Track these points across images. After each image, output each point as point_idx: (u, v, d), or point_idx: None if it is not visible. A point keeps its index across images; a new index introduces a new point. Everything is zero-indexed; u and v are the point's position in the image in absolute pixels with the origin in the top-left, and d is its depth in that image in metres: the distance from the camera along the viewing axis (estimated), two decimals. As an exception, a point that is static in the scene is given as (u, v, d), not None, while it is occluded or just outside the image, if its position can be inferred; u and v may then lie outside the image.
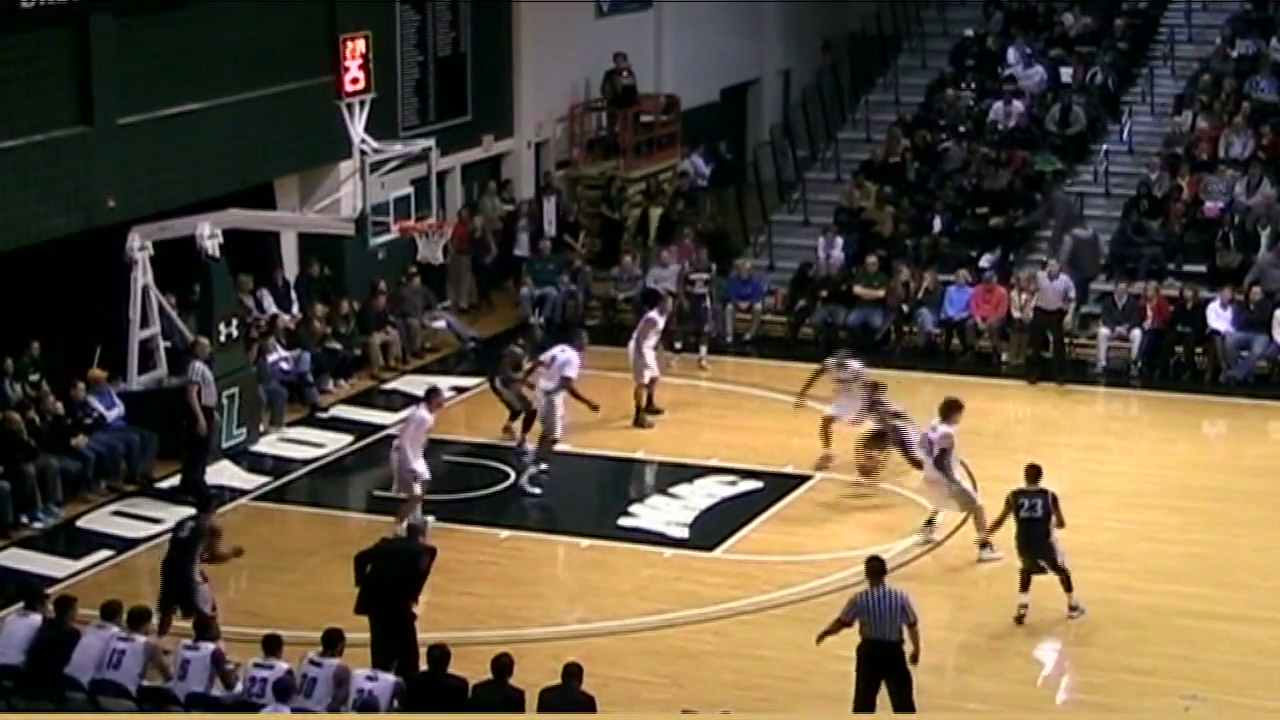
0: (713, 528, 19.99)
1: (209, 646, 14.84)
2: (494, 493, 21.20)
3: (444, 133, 26.95)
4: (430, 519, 19.32)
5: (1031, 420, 23.97)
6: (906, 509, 20.08)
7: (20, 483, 19.98)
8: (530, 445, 21.41)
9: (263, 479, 21.73)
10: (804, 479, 21.16)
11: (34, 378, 21.34)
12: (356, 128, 22.02)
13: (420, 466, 19.44)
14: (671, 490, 21.05)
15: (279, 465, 22.23)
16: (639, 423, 23.15)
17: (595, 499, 21.89)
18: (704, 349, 26.00)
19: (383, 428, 23.25)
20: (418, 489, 19.47)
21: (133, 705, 14.63)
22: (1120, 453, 22.70)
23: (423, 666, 14.74)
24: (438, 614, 17.09)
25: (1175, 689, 16.08)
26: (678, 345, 25.99)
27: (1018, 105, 30.53)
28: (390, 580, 15.78)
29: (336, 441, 22.96)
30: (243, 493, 21.18)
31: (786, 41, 36.92)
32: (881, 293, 26.69)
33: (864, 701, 14.86)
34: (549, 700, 14.02)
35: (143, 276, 22.18)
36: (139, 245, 22.04)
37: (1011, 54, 32.14)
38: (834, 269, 27.44)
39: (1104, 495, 20.73)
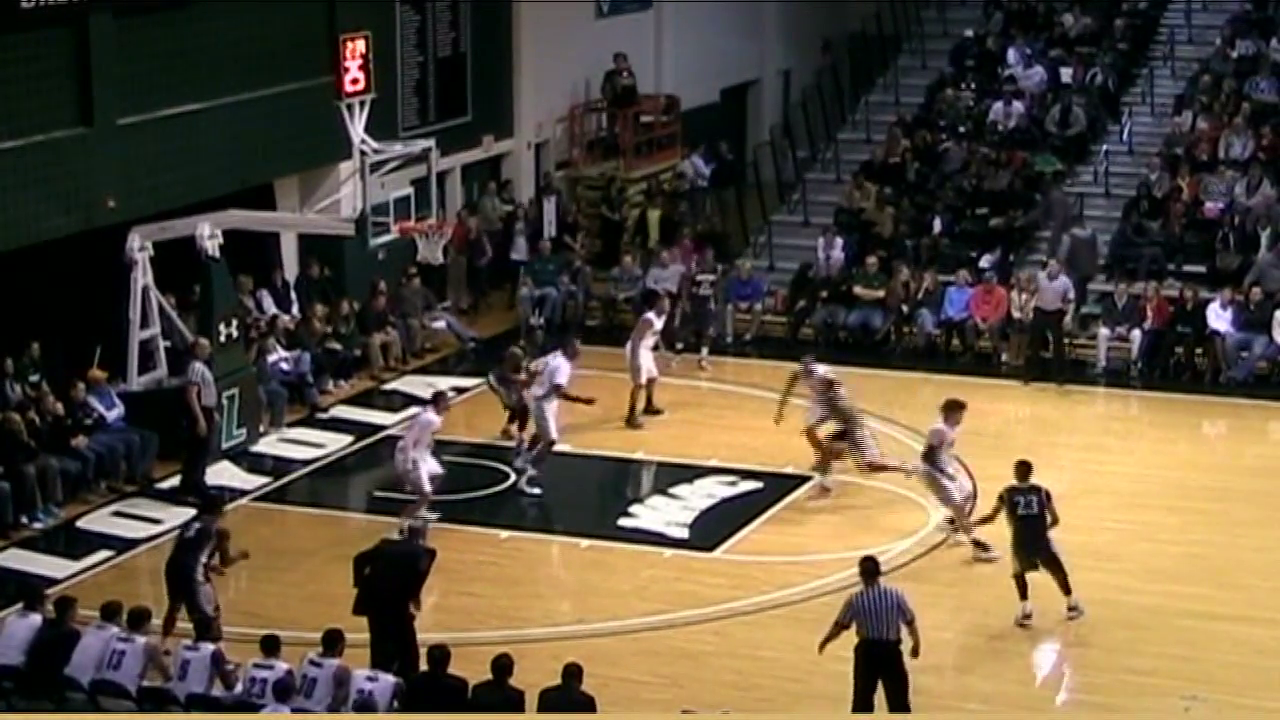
0: (713, 528, 19.99)
1: (209, 647, 14.85)
2: (494, 493, 21.21)
3: (444, 133, 26.95)
4: (436, 515, 19.48)
5: (1031, 421, 23.97)
6: (907, 509, 20.08)
7: (20, 483, 19.98)
8: (527, 444, 21.45)
9: (263, 479, 21.72)
10: (804, 479, 21.14)
11: (34, 378, 21.34)
12: (356, 128, 22.03)
13: (430, 465, 19.57)
14: (671, 490, 21.05)
15: (279, 466, 22.22)
16: (630, 422, 23.14)
17: (595, 499, 21.89)
18: (705, 349, 26.00)
19: (383, 428, 23.27)
20: (428, 486, 19.54)
21: (133, 706, 14.64)
22: (1120, 453, 22.70)
23: (423, 667, 14.75)
24: (438, 614, 17.13)
25: (1175, 689, 16.08)
26: (680, 346, 25.99)
27: (1018, 106, 30.53)
28: (390, 582, 15.78)
29: (336, 442, 22.95)
30: (243, 493, 21.17)
31: (786, 42, 36.92)
32: (881, 293, 26.69)
33: (862, 702, 14.86)
34: (549, 700, 14.02)
35: (143, 277, 22.17)
36: (139, 246, 22.04)
37: (1011, 54, 32.14)
38: (834, 269, 27.44)
39: (1104, 495, 20.74)
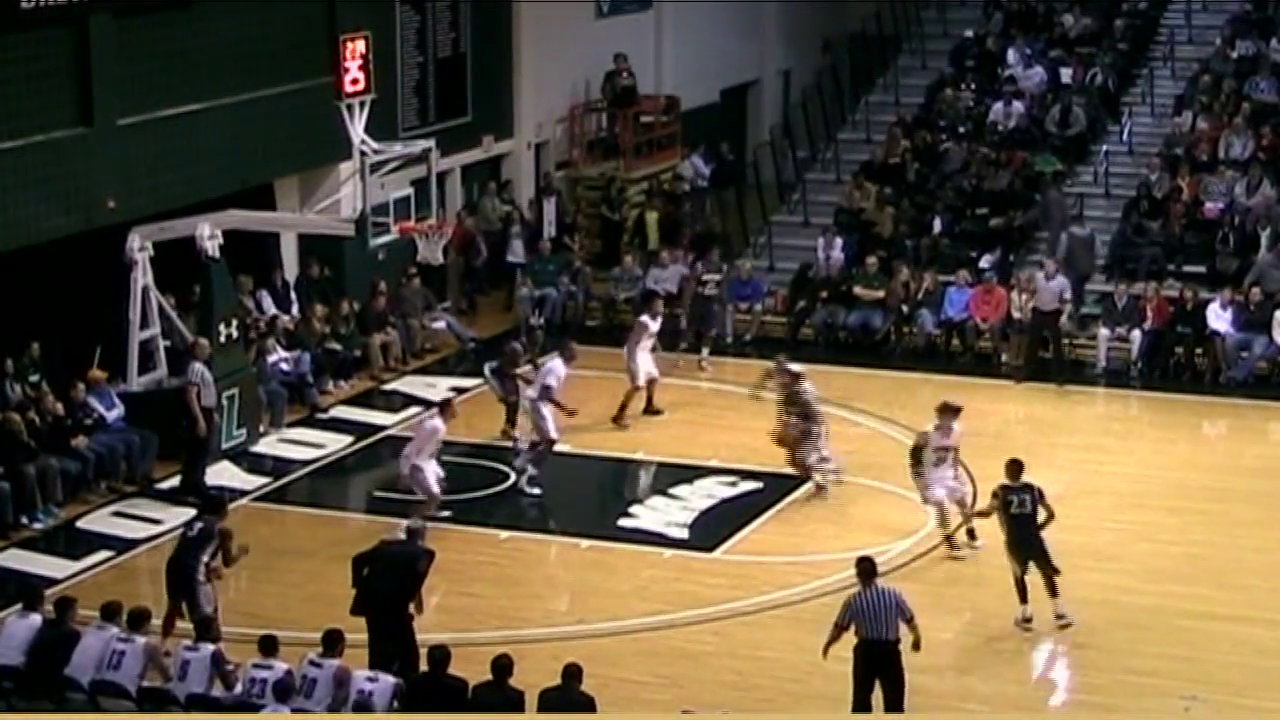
0: (713, 528, 19.99)
1: (209, 647, 14.84)
2: (494, 493, 21.21)
3: (444, 133, 26.94)
4: (447, 514, 19.61)
5: (1031, 421, 23.95)
6: (906, 509, 20.07)
7: (20, 483, 19.98)
8: (524, 442, 21.46)
9: (262, 480, 21.72)
10: (804, 480, 21.13)
11: (34, 378, 21.34)
12: (356, 128, 22.02)
13: (433, 469, 19.61)
14: (671, 491, 21.05)
15: (279, 466, 22.22)
16: (617, 420, 23.10)
17: (595, 499, 21.90)
18: (706, 350, 25.99)
19: (383, 428, 23.28)
20: (436, 488, 19.58)
21: (133, 706, 14.64)
22: (1120, 453, 22.69)
23: (423, 667, 14.75)
24: (438, 615, 17.12)
25: (1175, 689, 16.08)
26: (683, 346, 25.97)
27: (1018, 106, 30.54)
28: (389, 583, 15.78)
29: (336, 442, 22.95)
30: (243, 493, 21.16)
31: (786, 42, 36.93)
32: (881, 293, 26.69)
33: (861, 703, 14.86)
34: (549, 701, 14.02)
35: (143, 277, 22.18)
36: (139, 246, 22.04)
37: (1011, 55, 32.14)
38: (834, 270, 27.44)
39: (1104, 496, 20.74)
